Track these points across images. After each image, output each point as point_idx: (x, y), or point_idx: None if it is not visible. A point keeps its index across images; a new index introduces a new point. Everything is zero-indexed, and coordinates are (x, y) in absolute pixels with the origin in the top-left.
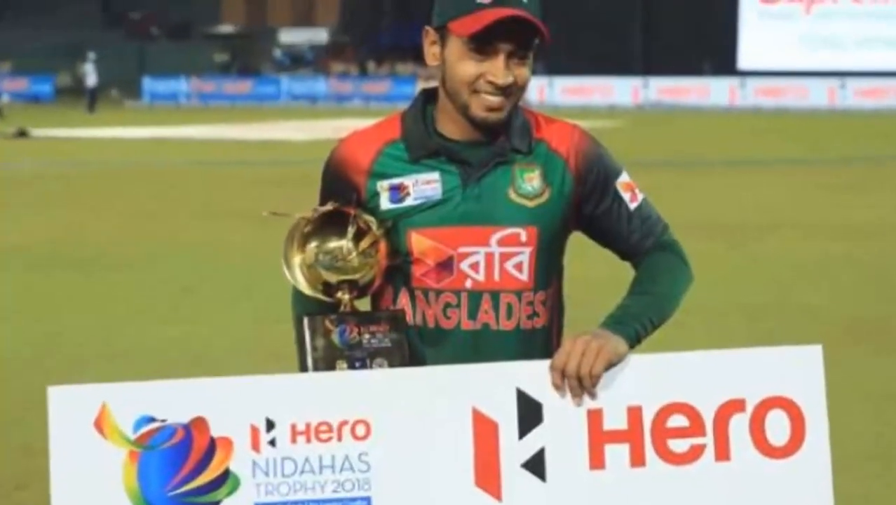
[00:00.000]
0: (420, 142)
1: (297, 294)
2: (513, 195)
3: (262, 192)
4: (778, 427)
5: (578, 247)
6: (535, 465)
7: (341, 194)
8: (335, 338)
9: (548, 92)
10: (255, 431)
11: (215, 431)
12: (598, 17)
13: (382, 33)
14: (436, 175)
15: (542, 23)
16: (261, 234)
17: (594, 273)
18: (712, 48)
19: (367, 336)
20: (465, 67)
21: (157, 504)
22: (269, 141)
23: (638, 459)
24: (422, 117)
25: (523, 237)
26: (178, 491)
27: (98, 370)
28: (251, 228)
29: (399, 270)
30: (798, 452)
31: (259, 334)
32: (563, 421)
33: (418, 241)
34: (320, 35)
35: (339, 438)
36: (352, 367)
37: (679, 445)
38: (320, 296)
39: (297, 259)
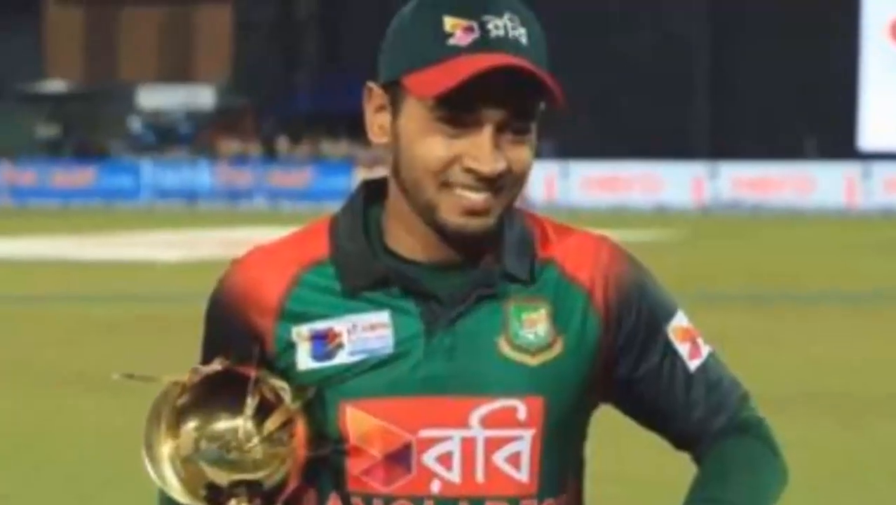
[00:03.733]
0: (360, 265)
1: (167, 502)
2: (506, 348)
3: (112, 343)
4: None
5: (608, 428)
6: None
7: (235, 347)
8: None
9: (560, 185)
10: None
11: None
12: (639, 70)
13: (300, 93)
14: (384, 316)
15: (550, 75)
16: (109, 409)
17: (633, 470)
18: (818, 119)
19: None
20: (431, 147)
21: None
22: (122, 263)
23: None
24: (362, 226)
25: (522, 414)
26: None
27: None
28: (95, 399)
29: (327, 464)
30: None
31: None
32: None
33: (357, 420)
34: (203, 96)
35: None
36: None
37: None
38: None
39: (166, 448)
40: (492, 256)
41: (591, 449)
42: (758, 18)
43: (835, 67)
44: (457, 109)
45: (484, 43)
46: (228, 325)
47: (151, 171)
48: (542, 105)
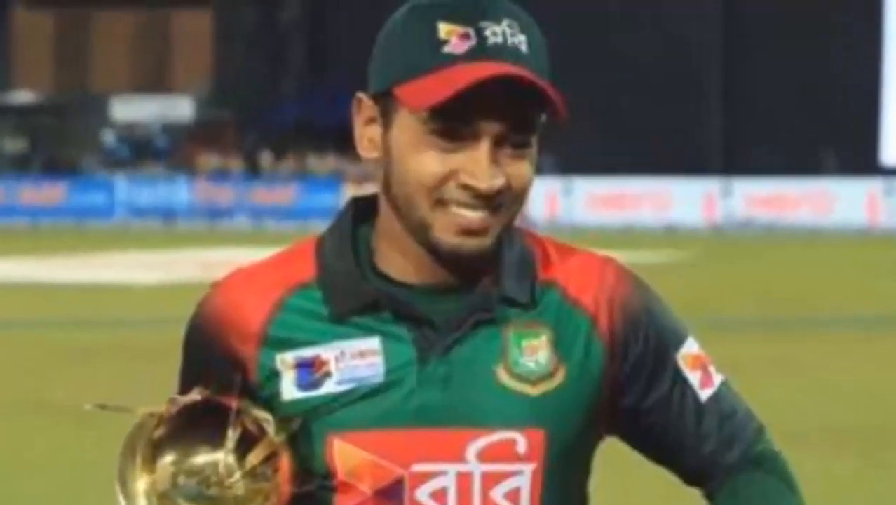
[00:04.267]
0: (348, 287)
1: None
2: (504, 377)
3: (85, 371)
4: None
5: (613, 460)
6: None
7: (216, 376)
8: None
9: (563, 203)
10: None
11: None
12: (646, 78)
13: (284, 104)
14: (374, 343)
15: (552, 85)
16: (81, 441)
17: None
18: (838, 131)
19: None
20: (425, 162)
21: None
22: (94, 286)
23: None
24: (351, 247)
25: (522, 447)
26: None
27: None
28: (66, 431)
29: (313, 501)
30: None
31: None
32: None
33: (346, 454)
34: (181, 108)
35: None
36: None
37: None
38: None
39: (141, 483)
40: (489, 279)
41: (594, 483)
42: (774, 23)
43: (856, 76)
44: (452, 122)
45: (481, 51)
46: (208, 352)
47: (126, 188)
48: (544, 117)
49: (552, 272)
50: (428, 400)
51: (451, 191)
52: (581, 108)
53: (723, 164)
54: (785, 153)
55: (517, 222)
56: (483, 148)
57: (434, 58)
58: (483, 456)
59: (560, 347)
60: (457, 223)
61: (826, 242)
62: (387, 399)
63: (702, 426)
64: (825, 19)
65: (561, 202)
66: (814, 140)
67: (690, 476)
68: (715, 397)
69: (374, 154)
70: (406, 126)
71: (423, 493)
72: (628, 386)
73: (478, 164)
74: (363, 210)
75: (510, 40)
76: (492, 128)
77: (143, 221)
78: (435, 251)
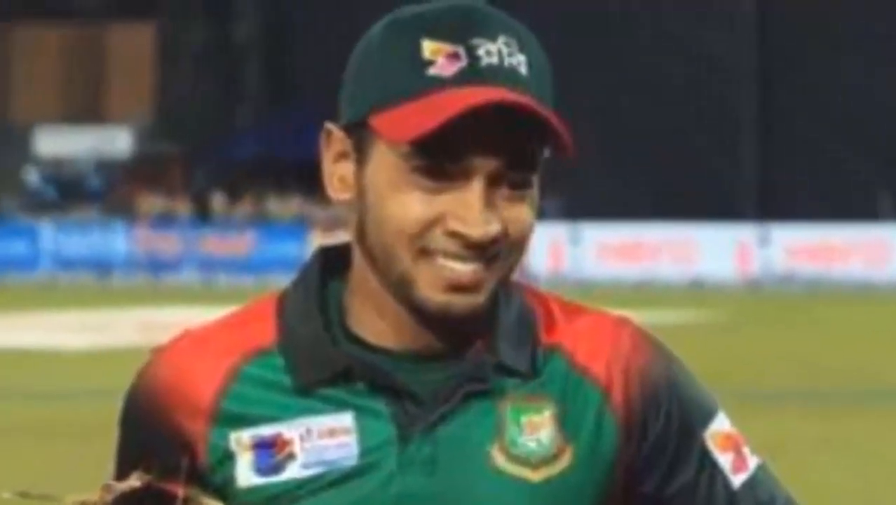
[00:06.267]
0: (316, 354)
1: None
2: (500, 459)
3: (3, 451)
4: None
5: None
6: None
7: (158, 457)
8: None
9: (570, 253)
10: None
11: None
12: (670, 105)
13: (241, 136)
14: (347, 419)
15: (556, 114)
16: None
17: None
18: (894, 170)
19: None
20: (407, 205)
21: None
22: (15, 351)
23: None
24: (319, 306)
25: None
26: None
27: None
28: None
29: None
30: None
31: None
32: None
33: None
34: (118, 141)
35: None
36: None
37: None
38: None
39: None
40: (483, 343)
41: None
42: (818, 42)
43: None
44: (439, 157)
45: (473, 73)
46: (150, 430)
47: (53, 236)
48: (547, 152)
49: (557, 336)
50: (410, 487)
51: (438, 239)
52: (591, 142)
53: (759, 209)
54: (832, 195)
55: (515, 276)
56: (475, 188)
57: (417, 81)
58: None
59: (566, 424)
60: (444, 277)
61: (880, 301)
62: (362, 486)
63: None
64: (881, 37)
65: (567, 252)
66: (866, 180)
67: None
68: (750, 484)
69: (347, 196)
70: (384, 162)
71: None
72: (647, 471)
73: (469, 208)
74: (333, 262)
75: (507, 61)
76: (485, 165)
77: (72, 275)
78: (418, 311)
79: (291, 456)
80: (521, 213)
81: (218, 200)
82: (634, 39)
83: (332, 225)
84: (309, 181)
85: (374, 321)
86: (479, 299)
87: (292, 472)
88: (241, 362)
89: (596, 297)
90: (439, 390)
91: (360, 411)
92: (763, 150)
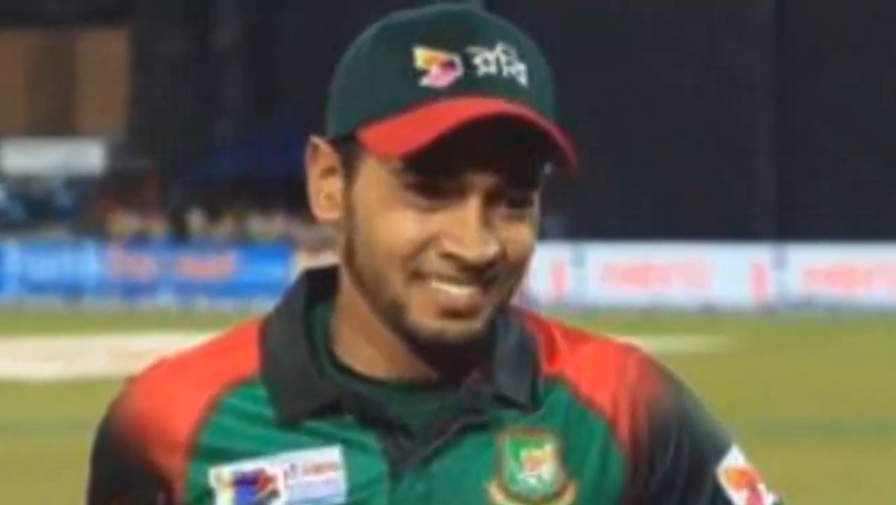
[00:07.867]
0: (301, 384)
1: None
2: (499, 496)
3: None
4: None
5: None
6: None
7: (133, 495)
8: None
9: (573, 276)
10: None
11: None
12: (681, 119)
13: (220, 151)
14: (334, 454)
15: (559, 127)
16: None
17: None
18: None
19: None
20: (399, 225)
21: None
22: None
23: None
24: (304, 333)
25: None
26: None
27: None
28: None
29: None
30: None
31: None
32: None
33: None
34: (89, 156)
35: None
36: None
37: None
38: None
39: None
40: (480, 373)
41: None
42: (838, 50)
43: None
44: (433, 174)
45: (469, 83)
46: (123, 465)
47: (19, 258)
48: (548, 168)
49: (559, 364)
50: None
51: (432, 261)
52: (596, 156)
53: (775, 228)
54: (853, 214)
55: (515, 301)
56: (472, 207)
57: (410, 92)
58: None
59: (569, 459)
60: (439, 302)
61: None
62: None
63: None
64: None
65: (570, 275)
66: (889, 198)
67: None
68: None
69: (334, 214)
70: (374, 179)
71: None
72: None
73: (465, 228)
74: (319, 286)
75: (506, 70)
76: (483, 181)
77: (40, 299)
78: (411, 338)
79: (275, 493)
80: (520, 233)
81: (196, 220)
82: (642, 47)
83: (318, 246)
84: (293, 199)
85: (364, 349)
86: (475, 325)
87: None
88: (221, 393)
89: (601, 323)
90: (433, 423)
91: (348, 446)
92: (779, 165)
